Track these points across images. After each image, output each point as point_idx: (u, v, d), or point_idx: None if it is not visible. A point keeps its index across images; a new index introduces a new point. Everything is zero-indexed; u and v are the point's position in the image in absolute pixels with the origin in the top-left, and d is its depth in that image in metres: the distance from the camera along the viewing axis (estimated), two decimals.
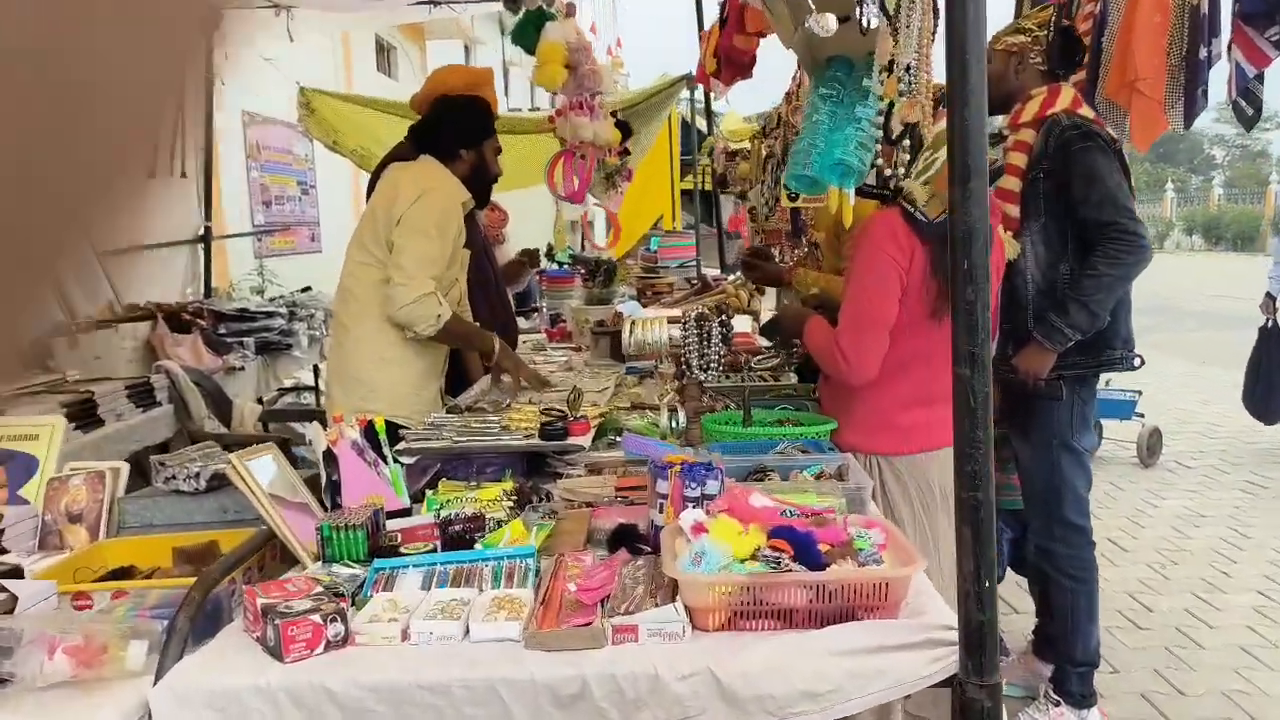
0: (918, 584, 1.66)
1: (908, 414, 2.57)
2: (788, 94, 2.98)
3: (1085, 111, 2.90)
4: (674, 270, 8.71)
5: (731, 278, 6.04)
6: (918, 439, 2.59)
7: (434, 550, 1.92)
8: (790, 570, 1.56)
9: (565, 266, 5.90)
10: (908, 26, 1.52)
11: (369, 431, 2.36)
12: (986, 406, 1.40)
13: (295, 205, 11.72)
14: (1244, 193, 41.49)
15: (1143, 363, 2.98)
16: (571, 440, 2.47)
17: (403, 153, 3.66)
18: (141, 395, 4.04)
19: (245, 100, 10.43)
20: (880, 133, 2.01)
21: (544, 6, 2.90)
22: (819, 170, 2.07)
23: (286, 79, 8.67)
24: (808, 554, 1.59)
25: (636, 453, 2.47)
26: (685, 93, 8.56)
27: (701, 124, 10.91)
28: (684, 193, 11.79)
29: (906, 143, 2.13)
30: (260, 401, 6.01)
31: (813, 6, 2.14)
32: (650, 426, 2.73)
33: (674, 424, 2.56)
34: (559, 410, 2.56)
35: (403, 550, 1.92)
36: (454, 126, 3.21)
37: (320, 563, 1.93)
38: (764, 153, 3.29)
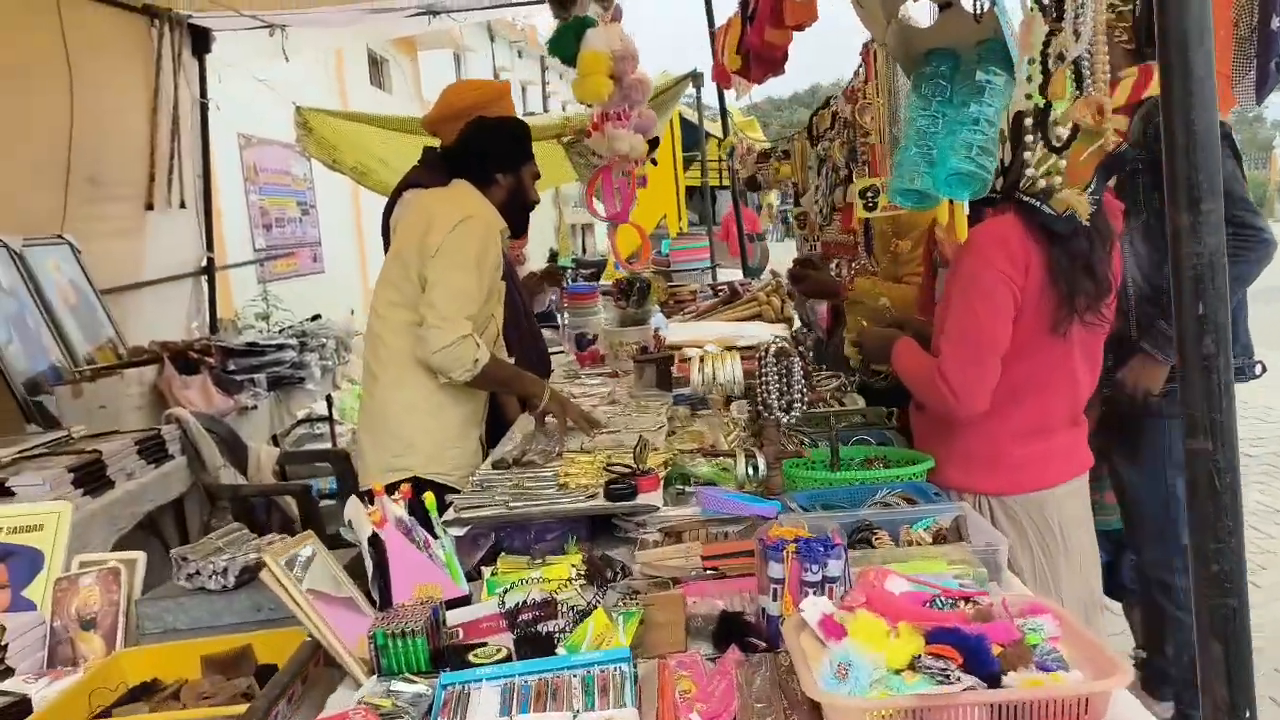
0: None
1: (1023, 447, 2.29)
2: (849, 91, 2.68)
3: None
4: (692, 275, 8.44)
5: (760, 284, 5.75)
6: (1034, 475, 2.30)
7: (507, 655, 1.64)
8: (962, 684, 1.27)
9: (584, 280, 5.61)
10: (1078, 8, 1.24)
11: (415, 503, 2.08)
12: (1235, 490, 1.11)
13: (296, 226, 11.44)
14: None
15: (1264, 370, 2.68)
16: (642, 499, 2.19)
17: (418, 178, 3.38)
18: (153, 449, 3.75)
19: (241, 123, 10.16)
20: (994, 130, 1.72)
21: (589, 14, 2.63)
22: (935, 184, 1.78)
23: (281, 98, 8.41)
24: (980, 662, 1.30)
25: (716, 510, 2.18)
26: (690, 90, 8.30)
27: (709, 123, 10.65)
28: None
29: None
30: (275, 441, 5.73)
31: None
32: (720, 473, 2.44)
33: (749, 471, 2.27)
34: (624, 466, 2.28)
35: (472, 659, 1.63)
36: (490, 149, 2.95)
37: (375, 676, 1.64)
38: (818, 155, 2.99)
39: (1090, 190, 2.11)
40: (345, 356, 6.35)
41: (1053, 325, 2.19)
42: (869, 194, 2.57)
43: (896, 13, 1.88)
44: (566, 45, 2.49)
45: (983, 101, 1.75)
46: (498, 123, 3.03)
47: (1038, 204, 2.05)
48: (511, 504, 2.18)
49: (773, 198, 9.83)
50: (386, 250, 3.40)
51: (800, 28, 3.43)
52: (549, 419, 2.93)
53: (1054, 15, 1.33)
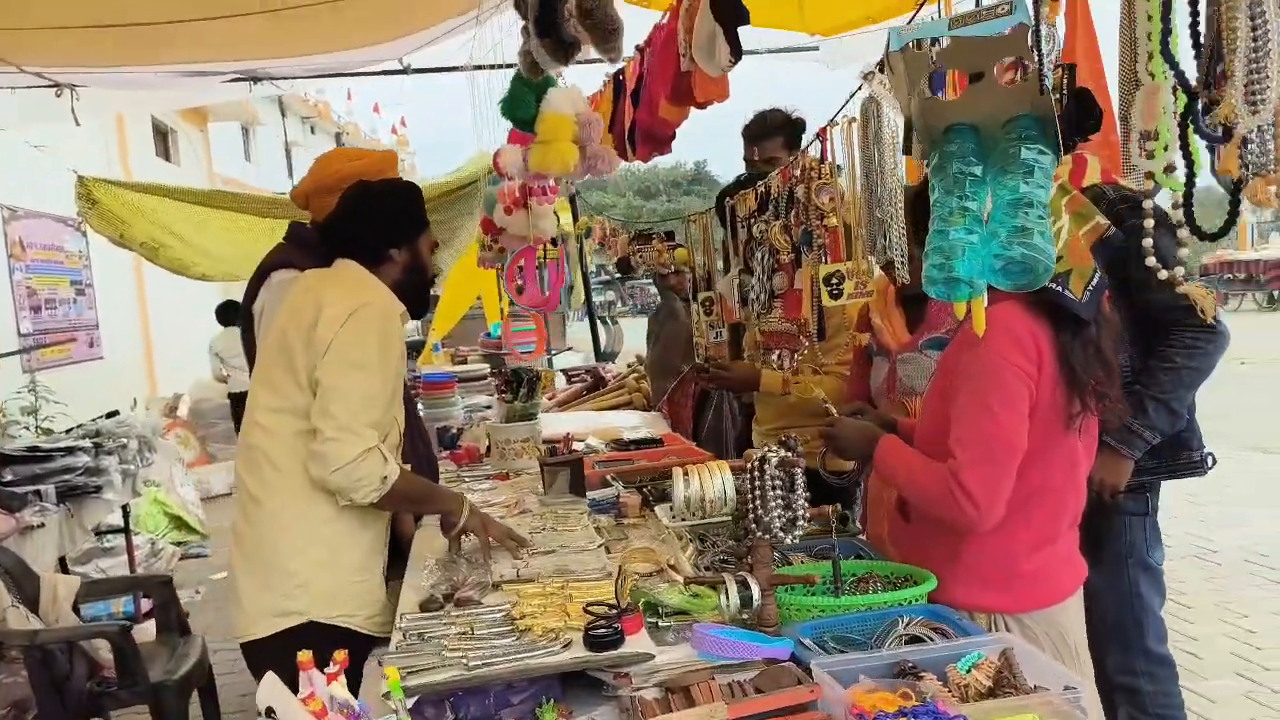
0: None
1: (1035, 558, 2.09)
2: (796, 172, 2.48)
3: (1128, 181, 2.57)
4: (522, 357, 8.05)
5: (625, 372, 5.49)
6: (1049, 587, 2.11)
7: None
8: None
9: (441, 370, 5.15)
10: (1256, 68, 1.05)
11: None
12: None
13: (70, 308, 10.21)
14: None
15: (1215, 462, 2.64)
16: (631, 645, 1.81)
17: (286, 257, 2.89)
18: None
19: (5, 192, 9.03)
20: (1047, 214, 1.54)
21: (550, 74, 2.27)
22: (983, 271, 1.56)
23: (56, 166, 7.53)
24: None
25: (714, 655, 1.84)
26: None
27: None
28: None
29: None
30: (64, 566, 4.87)
31: (934, 62, 1.67)
32: (692, 601, 2.10)
33: (740, 601, 1.94)
34: (604, 605, 1.89)
35: None
36: (378, 220, 2.47)
37: None
38: (755, 237, 2.77)
39: (1095, 273, 1.98)
40: (149, 458, 5.54)
41: (1066, 421, 2.02)
42: (833, 280, 2.36)
43: (920, 83, 1.69)
44: (524, 106, 2.12)
45: (1032, 182, 1.57)
46: (382, 187, 2.57)
47: (1059, 288, 1.88)
48: (470, 662, 1.74)
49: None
50: (247, 342, 2.89)
51: (704, 105, 3.22)
52: (465, 539, 2.49)
53: (1204, 82, 1.17)
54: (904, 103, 1.75)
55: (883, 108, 2.05)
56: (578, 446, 4.21)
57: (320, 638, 2.21)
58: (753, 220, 2.91)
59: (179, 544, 7.15)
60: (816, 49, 6.12)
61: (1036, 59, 1.53)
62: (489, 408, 5.19)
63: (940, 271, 1.65)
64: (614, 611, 1.87)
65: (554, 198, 3.06)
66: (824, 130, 2.38)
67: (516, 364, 4.07)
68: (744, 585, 1.96)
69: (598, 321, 7.05)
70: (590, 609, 1.88)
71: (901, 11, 5.16)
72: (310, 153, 26.79)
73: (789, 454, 1.92)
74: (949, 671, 1.70)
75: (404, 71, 6.08)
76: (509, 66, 6.56)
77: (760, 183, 2.87)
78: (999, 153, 1.66)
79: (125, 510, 5.61)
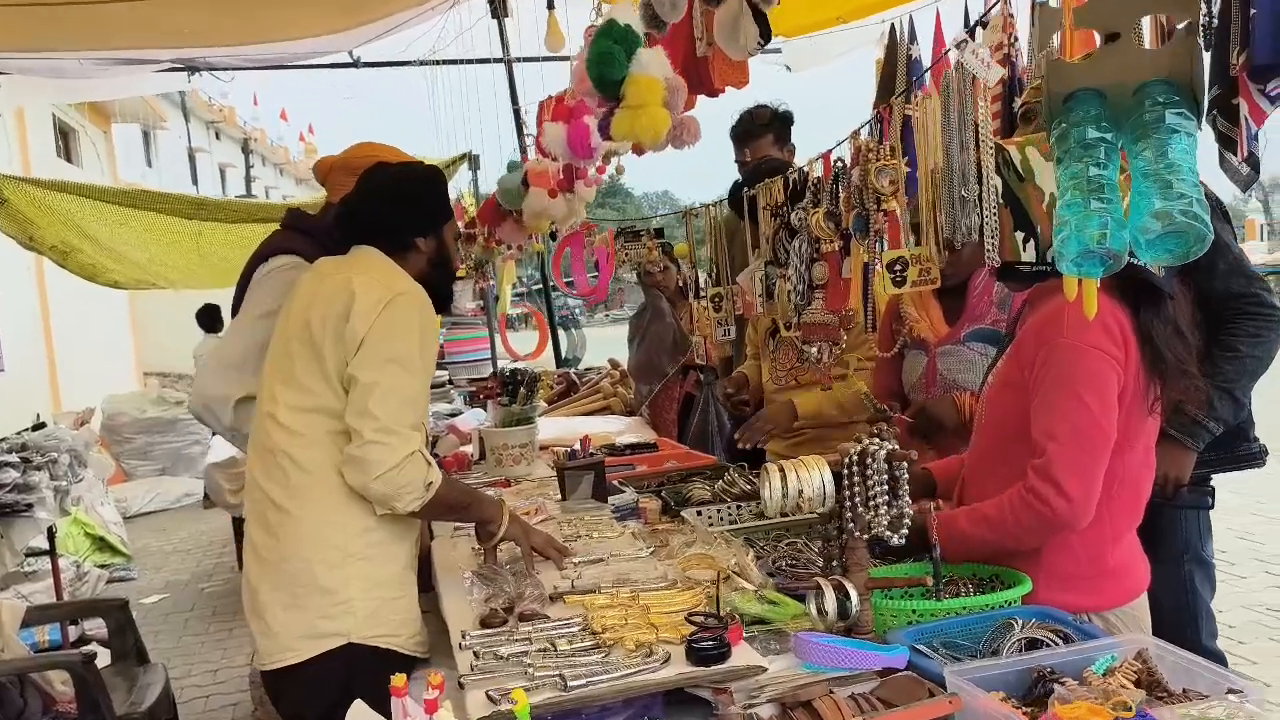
0: None
1: (1118, 550, 2.02)
2: (852, 154, 2.36)
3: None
4: (468, 366, 7.81)
5: (599, 376, 5.31)
6: (1131, 579, 2.04)
7: None
8: None
9: None
10: None
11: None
12: None
13: None
14: None
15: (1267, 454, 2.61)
16: (740, 660, 1.65)
17: (285, 242, 2.65)
18: None
19: None
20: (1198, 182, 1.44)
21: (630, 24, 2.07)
22: (1139, 244, 1.45)
23: None
24: None
25: (823, 666, 1.69)
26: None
27: None
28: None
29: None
30: None
31: (1064, 23, 1.56)
32: (771, 609, 1.96)
33: (839, 607, 1.79)
34: (703, 614, 1.72)
35: None
36: (405, 205, 2.25)
37: None
38: (791, 225, 2.64)
39: None
40: (79, 473, 5.13)
41: (1148, 405, 1.94)
42: (896, 267, 2.24)
43: (1049, 41, 1.59)
44: (616, 65, 1.91)
45: (1180, 148, 1.48)
46: (406, 169, 2.35)
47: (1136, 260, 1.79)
48: (571, 681, 1.56)
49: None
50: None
51: (719, 93, 3.08)
52: (500, 549, 2.29)
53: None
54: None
55: (969, 80, 1.94)
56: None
57: (361, 660, 2.00)
58: (783, 210, 2.78)
59: (103, 566, 6.68)
60: (779, 51, 6.08)
61: (1205, 17, 1.43)
62: (456, 414, 4.96)
63: (1075, 246, 1.54)
64: (717, 622, 1.70)
65: (601, 178, 2.87)
66: (885, 109, 2.27)
67: (514, 364, 3.85)
68: (842, 591, 1.81)
69: (559, 327, 6.84)
70: (692, 619, 1.71)
71: (876, 10, 5.15)
72: (215, 159, 25.84)
73: (895, 446, 1.79)
74: (1087, 676, 1.59)
75: (355, 65, 5.83)
76: (467, 62, 6.38)
77: (792, 170, 2.75)
78: (1134, 120, 1.57)
79: (51, 531, 5.18)
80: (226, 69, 5.56)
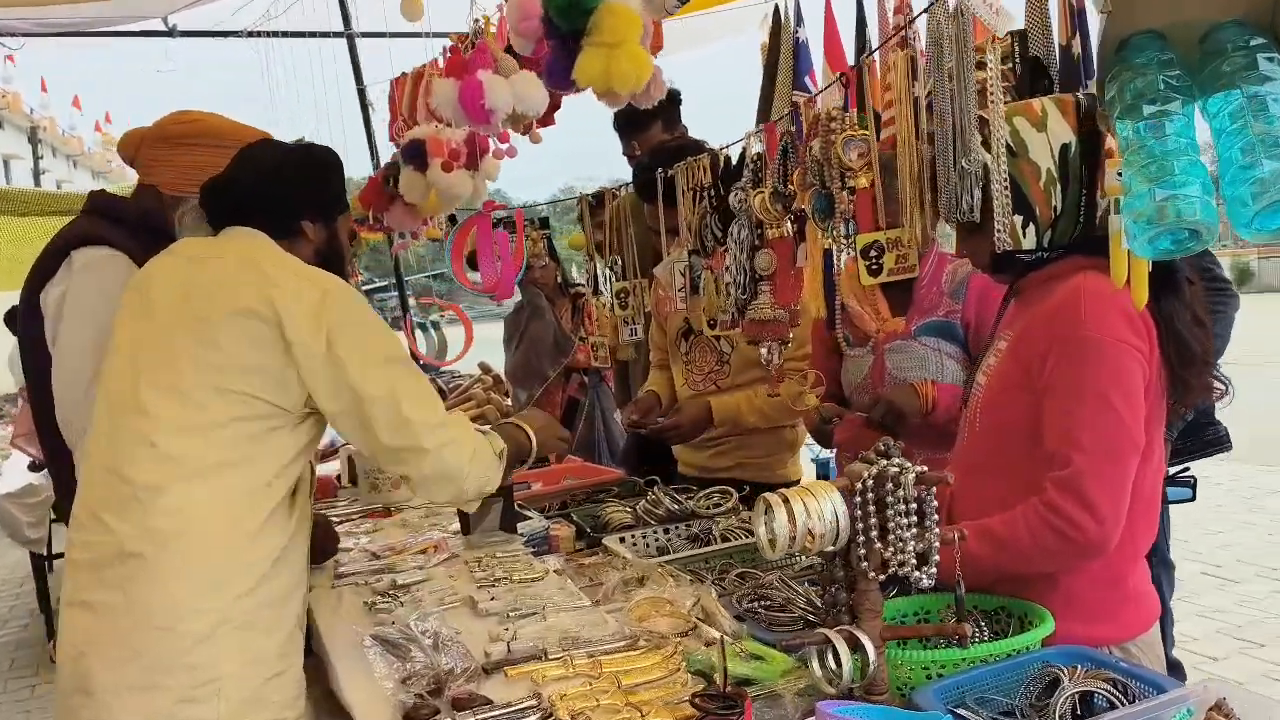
0: None
1: (1137, 571, 1.80)
2: (814, 119, 2.05)
3: None
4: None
5: (470, 382, 4.83)
6: (1148, 604, 1.82)
7: None
8: None
9: None
10: None
11: None
12: None
13: None
14: None
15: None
16: None
17: (91, 229, 2.11)
18: None
19: None
20: None
21: None
22: (1239, 217, 1.18)
23: None
24: None
25: None
26: None
27: None
28: None
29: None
30: None
31: None
32: (760, 667, 1.62)
33: (845, 665, 1.47)
34: (711, 695, 1.35)
35: None
36: (292, 182, 1.87)
37: None
38: (732, 208, 2.31)
39: None
40: None
41: (1174, 403, 1.73)
42: (872, 253, 1.94)
43: None
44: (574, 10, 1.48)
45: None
46: (295, 146, 1.98)
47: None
48: None
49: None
50: (30, 341, 2.09)
51: None
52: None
53: None
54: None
55: (970, 28, 1.66)
56: None
57: None
58: (709, 192, 2.45)
59: None
60: None
61: None
62: None
63: (1149, 226, 1.27)
64: (725, 703, 1.34)
65: (513, 149, 2.40)
66: (851, 71, 1.97)
67: None
68: (856, 646, 1.49)
69: (416, 329, 6.27)
70: (702, 702, 1.33)
71: None
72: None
73: (922, 469, 1.47)
74: None
75: (169, 34, 5.11)
76: (303, 35, 5.73)
77: (724, 146, 2.42)
78: (1211, 70, 1.31)
79: None
80: (15, 34, 4.72)
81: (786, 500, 1.48)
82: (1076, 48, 2.59)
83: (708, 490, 2.61)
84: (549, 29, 1.70)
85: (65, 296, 2.05)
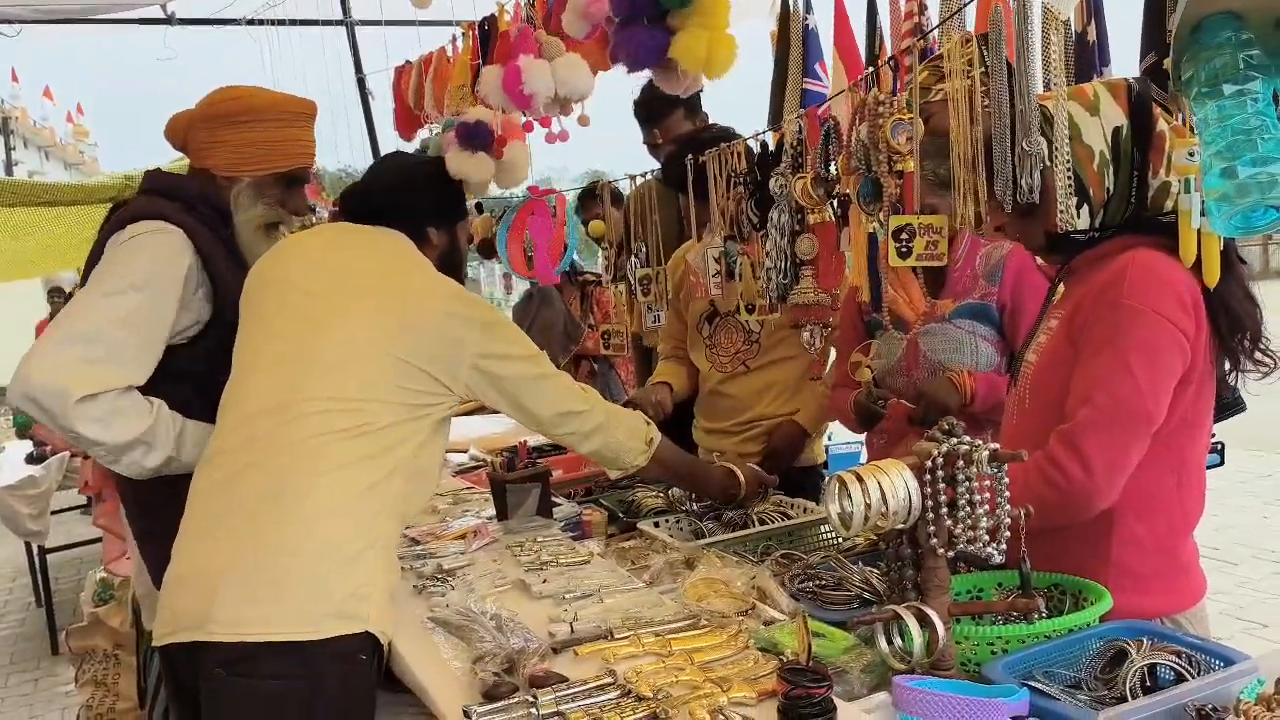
0: None
1: (1189, 542, 1.82)
2: (860, 104, 2.07)
3: None
4: None
5: None
6: (1199, 578, 1.84)
7: None
8: None
9: None
10: None
11: None
12: None
13: None
14: None
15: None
16: None
17: (149, 208, 2.08)
18: None
19: None
20: None
21: None
22: None
23: None
24: None
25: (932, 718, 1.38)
26: None
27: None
28: None
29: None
30: None
31: None
32: (821, 645, 1.63)
33: (914, 640, 1.49)
34: (797, 667, 1.36)
35: None
36: (421, 191, 2.06)
37: None
38: (774, 192, 2.32)
39: None
40: None
41: (1223, 379, 1.76)
42: (904, 236, 1.96)
43: None
44: None
45: None
46: (427, 159, 2.35)
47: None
48: None
49: None
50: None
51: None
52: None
53: None
54: None
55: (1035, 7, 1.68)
56: (458, 458, 3.58)
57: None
58: (746, 179, 2.46)
59: None
60: None
61: None
62: None
63: (1229, 204, 1.29)
64: (812, 678, 1.35)
65: (565, 134, 2.38)
66: (900, 54, 1.99)
67: None
68: (925, 621, 1.51)
69: None
70: (788, 674, 1.35)
71: None
72: None
73: (997, 446, 1.49)
74: (1245, 708, 1.35)
75: (168, 21, 5.05)
76: (302, 23, 5.68)
77: (758, 134, 2.43)
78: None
79: None
80: (12, 21, 4.65)
81: (860, 478, 1.49)
82: (1092, 34, 2.63)
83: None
84: (635, 8, 1.71)
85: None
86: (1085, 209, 1.74)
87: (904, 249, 1.99)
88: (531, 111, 2.21)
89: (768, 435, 2.83)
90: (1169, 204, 1.69)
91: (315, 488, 1.69)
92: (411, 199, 2.03)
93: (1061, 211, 1.69)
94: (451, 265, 2.06)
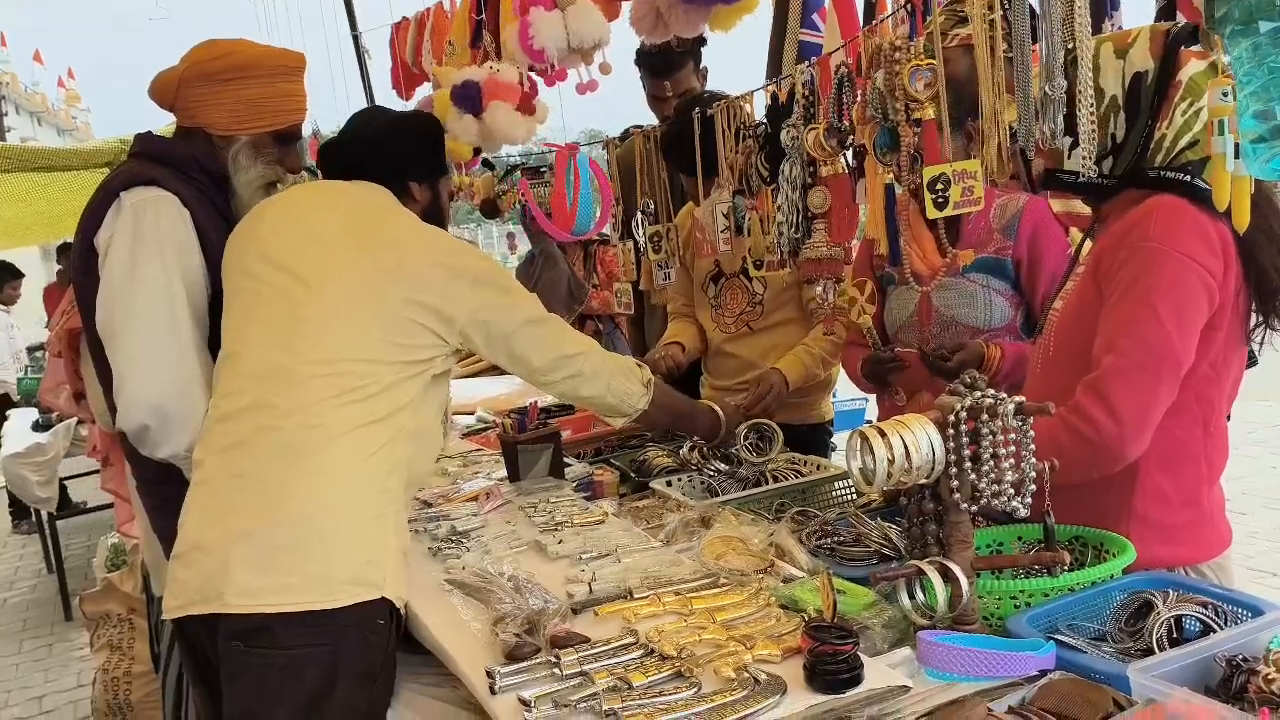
0: None
1: (1213, 491, 1.80)
2: (875, 50, 2.01)
3: None
4: None
5: None
6: (1224, 526, 1.82)
7: None
8: None
9: None
10: None
11: None
12: None
13: None
14: None
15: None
16: (880, 680, 1.30)
17: (142, 173, 2.03)
18: None
19: None
20: None
21: None
22: None
23: None
24: None
25: (958, 676, 1.37)
26: None
27: None
28: None
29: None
30: None
31: None
32: (842, 602, 1.61)
33: (939, 595, 1.47)
34: (823, 624, 1.35)
35: None
36: (403, 144, 2.02)
37: None
38: (784, 146, 2.27)
39: None
40: None
41: (1249, 329, 1.73)
42: (939, 186, 1.92)
43: None
44: None
45: None
46: (409, 113, 2.23)
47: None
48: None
49: None
50: (86, 285, 2.02)
51: None
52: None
53: None
54: None
55: None
56: (465, 420, 3.56)
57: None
58: (756, 131, 2.41)
59: None
60: None
61: None
62: None
63: (1266, 147, 1.25)
64: (838, 634, 1.34)
65: (593, 84, 2.34)
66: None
67: None
68: (949, 575, 1.49)
69: None
70: (813, 631, 1.33)
71: None
72: None
73: (1021, 399, 1.46)
74: (1275, 657, 1.34)
75: None
76: None
77: (769, 84, 2.37)
78: None
79: None
80: None
81: (884, 433, 1.47)
82: None
83: (744, 428, 2.57)
84: None
85: (111, 239, 1.99)
86: (1078, 151, 1.69)
87: (940, 199, 1.94)
88: (546, 64, 2.16)
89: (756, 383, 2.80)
90: (1159, 158, 1.65)
91: (322, 455, 1.67)
92: (392, 152, 2.00)
93: (1084, 157, 1.65)
94: (435, 221, 2.02)
